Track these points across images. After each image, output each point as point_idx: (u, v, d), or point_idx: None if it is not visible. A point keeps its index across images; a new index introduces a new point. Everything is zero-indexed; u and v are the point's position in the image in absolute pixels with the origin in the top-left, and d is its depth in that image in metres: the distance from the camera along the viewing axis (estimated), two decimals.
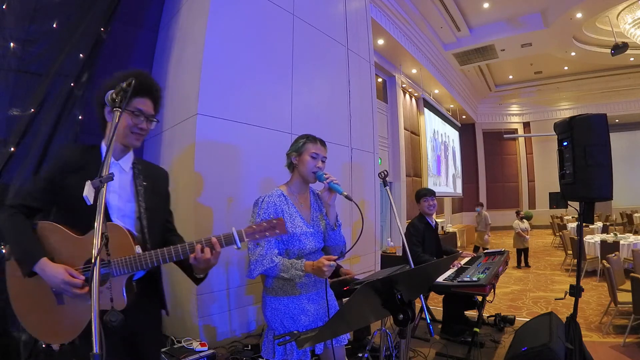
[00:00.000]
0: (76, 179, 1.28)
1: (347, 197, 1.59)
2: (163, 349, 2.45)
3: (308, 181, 1.74)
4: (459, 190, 13.88)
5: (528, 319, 3.07)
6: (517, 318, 3.73)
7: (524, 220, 7.61)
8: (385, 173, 2.50)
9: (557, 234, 9.55)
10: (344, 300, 2.22)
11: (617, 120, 14.01)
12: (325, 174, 1.68)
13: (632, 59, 11.31)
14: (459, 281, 2.78)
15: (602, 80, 13.31)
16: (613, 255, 4.27)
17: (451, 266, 3.18)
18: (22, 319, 1.30)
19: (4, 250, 2.30)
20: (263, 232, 1.32)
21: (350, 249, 1.77)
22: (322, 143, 1.77)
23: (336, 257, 1.60)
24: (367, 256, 4.83)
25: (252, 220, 1.66)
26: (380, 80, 9.13)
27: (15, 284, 1.31)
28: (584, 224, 2.38)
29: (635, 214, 11.61)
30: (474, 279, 2.77)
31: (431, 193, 3.47)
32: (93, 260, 0.94)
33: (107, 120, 1.42)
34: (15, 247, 1.28)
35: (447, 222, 11.93)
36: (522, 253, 7.44)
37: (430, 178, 10.60)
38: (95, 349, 0.87)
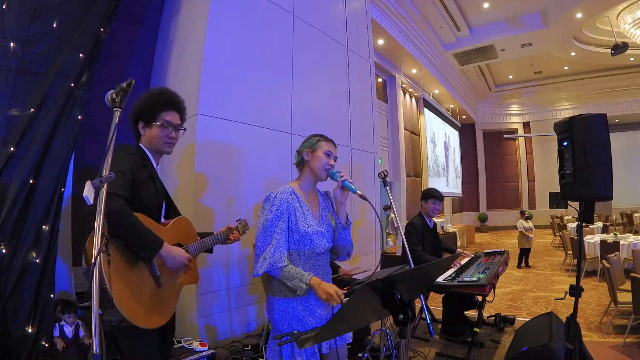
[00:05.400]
0: (144, 174, 1.54)
1: (361, 196, 1.60)
2: None
3: (319, 178, 1.73)
4: (459, 190, 13.88)
5: (528, 319, 3.06)
6: (517, 318, 3.73)
7: (529, 220, 7.59)
8: (385, 173, 2.49)
9: (557, 234, 9.54)
10: (344, 300, 2.22)
11: (617, 120, 14.01)
12: (340, 173, 1.69)
13: (632, 59, 11.31)
14: (459, 281, 2.78)
15: (602, 80, 13.31)
16: (613, 255, 4.26)
17: (451, 266, 3.17)
18: (124, 311, 1.27)
19: (3, 251, 2.30)
20: None
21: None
22: (334, 144, 1.79)
23: (346, 291, 1.60)
24: (367, 256, 4.84)
25: (262, 215, 1.64)
26: (380, 80, 9.13)
27: (115, 276, 1.28)
28: (584, 224, 2.37)
29: (635, 214, 11.61)
30: (474, 278, 2.77)
31: (441, 198, 3.47)
32: (93, 260, 0.93)
33: (141, 134, 1.62)
34: (136, 235, 1.33)
35: (447, 222, 11.93)
36: (524, 253, 7.44)
37: (436, 179, 10.60)
38: (95, 349, 0.86)
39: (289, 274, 1.56)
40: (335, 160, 1.75)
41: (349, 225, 1.76)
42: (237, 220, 1.99)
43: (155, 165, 1.65)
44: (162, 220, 1.65)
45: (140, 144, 1.62)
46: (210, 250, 1.84)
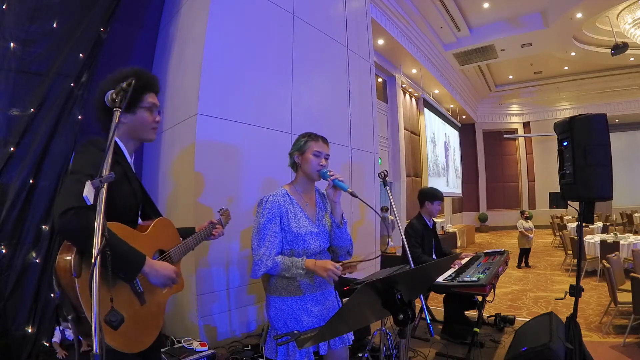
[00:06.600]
0: (118, 173, 1.25)
1: (351, 193, 1.59)
2: (163, 349, 2.45)
3: (312, 179, 1.73)
4: (459, 190, 13.88)
5: (528, 319, 3.06)
6: (517, 318, 3.72)
7: (529, 220, 7.60)
8: (385, 173, 2.49)
9: (557, 234, 9.54)
10: (343, 300, 2.22)
11: (617, 120, 14.01)
12: (330, 172, 1.67)
13: (632, 59, 11.31)
14: (459, 281, 2.78)
15: (602, 80, 13.31)
16: (613, 255, 4.26)
17: (451, 266, 3.17)
18: (107, 338, 1.08)
19: (3, 251, 2.30)
20: None
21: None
22: (324, 141, 1.75)
23: (341, 262, 1.60)
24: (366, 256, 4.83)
25: (256, 219, 1.65)
26: (380, 80, 9.13)
27: (85, 296, 1.10)
28: (584, 224, 2.37)
29: (635, 214, 11.61)
30: (474, 279, 2.77)
31: (442, 197, 3.43)
32: (93, 260, 0.93)
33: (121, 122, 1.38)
34: (112, 253, 1.08)
35: (447, 222, 11.93)
36: (524, 253, 7.44)
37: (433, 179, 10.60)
38: (95, 349, 0.86)
39: (284, 265, 1.59)
40: (327, 159, 1.72)
41: (344, 225, 1.76)
42: (219, 211, 1.86)
43: (129, 159, 1.44)
44: (140, 221, 1.48)
45: None
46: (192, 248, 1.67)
